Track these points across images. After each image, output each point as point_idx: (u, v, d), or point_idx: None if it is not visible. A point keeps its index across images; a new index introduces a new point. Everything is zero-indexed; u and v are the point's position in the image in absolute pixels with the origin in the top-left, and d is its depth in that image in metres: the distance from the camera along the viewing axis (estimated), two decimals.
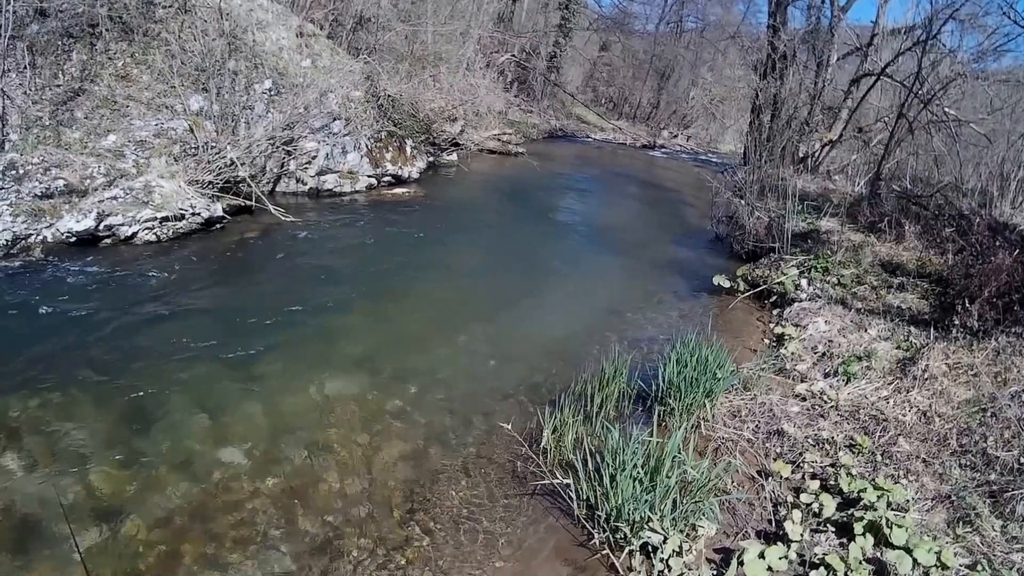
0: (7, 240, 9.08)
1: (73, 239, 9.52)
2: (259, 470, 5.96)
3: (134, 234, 10.03)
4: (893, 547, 5.12)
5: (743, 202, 12.05)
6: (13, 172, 9.61)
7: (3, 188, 9.39)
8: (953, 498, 5.68)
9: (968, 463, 6.07)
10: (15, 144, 10.01)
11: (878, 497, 5.54)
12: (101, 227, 9.75)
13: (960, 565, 5.05)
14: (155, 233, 10.19)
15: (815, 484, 5.89)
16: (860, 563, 5.05)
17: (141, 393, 6.68)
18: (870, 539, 5.23)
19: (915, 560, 5.00)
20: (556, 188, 18.13)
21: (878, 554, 5.17)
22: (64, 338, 7.42)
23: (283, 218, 11.81)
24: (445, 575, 5.18)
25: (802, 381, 7.41)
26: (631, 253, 11.07)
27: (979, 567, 4.99)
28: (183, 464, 5.93)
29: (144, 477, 5.72)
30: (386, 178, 15.69)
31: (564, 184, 19.05)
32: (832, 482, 5.90)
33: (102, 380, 6.80)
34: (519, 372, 7.88)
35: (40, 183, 9.71)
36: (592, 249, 11.50)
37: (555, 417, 6.55)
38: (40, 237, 9.40)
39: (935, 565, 4.99)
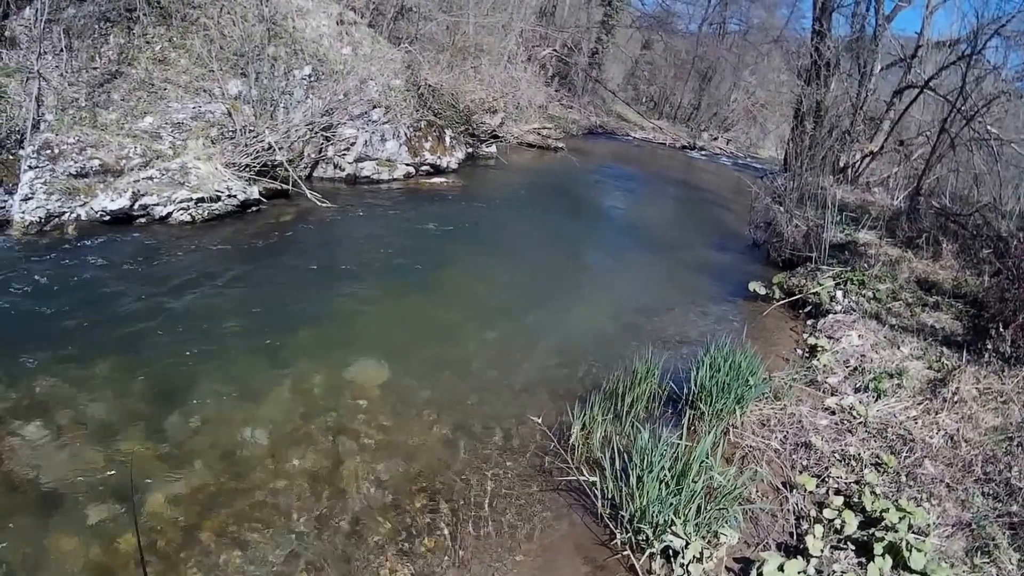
0: (40, 217, 9.13)
1: (107, 218, 9.53)
2: (284, 451, 5.94)
3: (169, 214, 10.02)
4: (911, 571, 4.99)
5: (782, 209, 11.84)
6: (48, 151, 9.58)
7: (38, 167, 9.40)
8: (974, 526, 5.51)
9: (991, 492, 5.90)
10: (51, 124, 9.99)
11: (900, 519, 5.40)
12: (135, 207, 9.74)
13: None
14: (190, 214, 10.17)
15: (839, 500, 5.76)
16: None
17: (169, 370, 6.68)
18: (889, 561, 5.09)
19: None
20: (594, 185, 17.97)
21: None
22: (93, 313, 7.42)
23: (319, 203, 11.74)
24: (465, 565, 5.12)
25: (832, 394, 7.27)
26: (667, 254, 10.92)
27: None
28: (208, 441, 5.91)
29: (168, 453, 5.72)
30: (424, 167, 15.52)
31: (602, 181, 18.88)
32: (856, 499, 5.76)
33: (131, 355, 6.80)
34: (550, 366, 7.77)
35: (75, 162, 9.69)
36: (628, 247, 11.36)
37: (584, 414, 6.46)
38: (74, 215, 9.42)
39: None
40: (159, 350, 6.95)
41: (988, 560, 5.22)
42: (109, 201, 9.55)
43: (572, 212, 12.58)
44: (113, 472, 5.42)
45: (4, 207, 9.06)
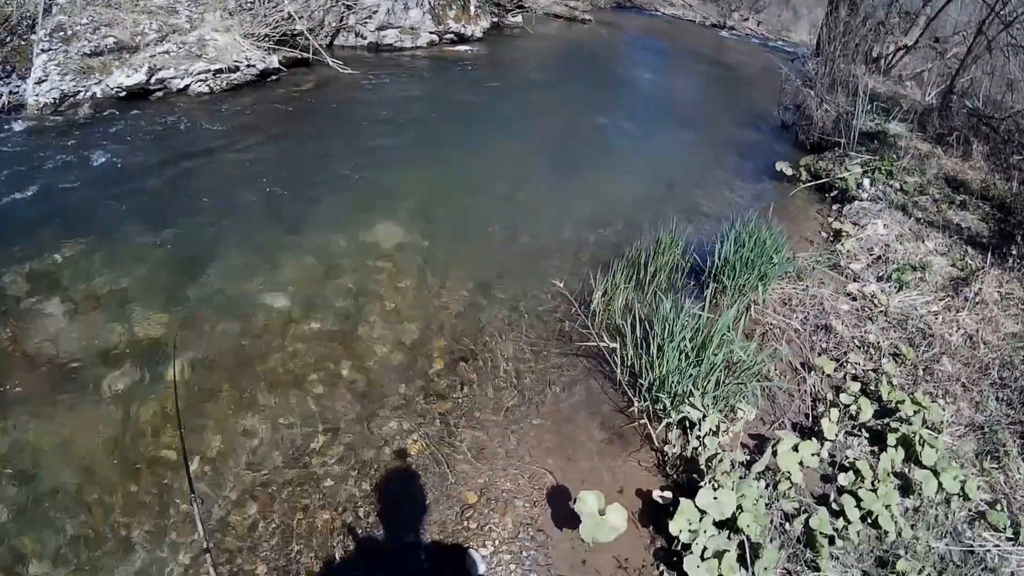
0: (55, 98, 8.77)
1: (123, 94, 9.20)
2: (304, 314, 5.79)
3: (186, 87, 9.69)
4: (922, 466, 4.85)
5: (812, 93, 11.29)
6: (61, 33, 9.14)
7: (51, 49, 8.98)
8: (986, 430, 5.36)
9: (1005, 398, 5.71)
10: (62, 7, 9.46)
11: (915, 412, 5.22)
12: (152, 81, 9.40)
13: (981, 500, 4.78)
14: (208, 85, 9.84)
15: (856, 386, 5.57)
16: (888, 475, 4.80)
17: (188, 239, 6.50)
18: (901, 453, 4.96)
19: (940, 484, 4.73)
20: (623, 57, 17.07)
21: (906, 470, 4.92)
22: (111, 187, 7.17)
23: (340, 70, 11.24)
24: (482, 428, 5.02)
25: (855, 280, 7.00)
26: (694, 129, 10.43)
27: (998, 506, 4.72)
28: (226, 307, 5.76)
29: (186, 320, 5.58)
30: (448, 36, 14.87)
31: (631, 54, 17.92)
32: (872, 388, 5.59)
33: (150, 227, 6.60)
34: (573, 232, 7.49)
35: (89, 42, 9.27)
36: (655, 120, 10.85)
37: (607, 280, 6.22)
38: (89, 93, 9.06)
39: (958, 494, 4.74)
40: (178, 220, 6.75)
41: (997, 466, 5.08)
42: (125, 77, 9.21)
43: (599, 83, 11.97)
44: (133, 343, 5.30)
45: (18, 92, 8.68)
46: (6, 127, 8.17)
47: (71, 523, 4.09)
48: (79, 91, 8.95)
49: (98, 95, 9.06)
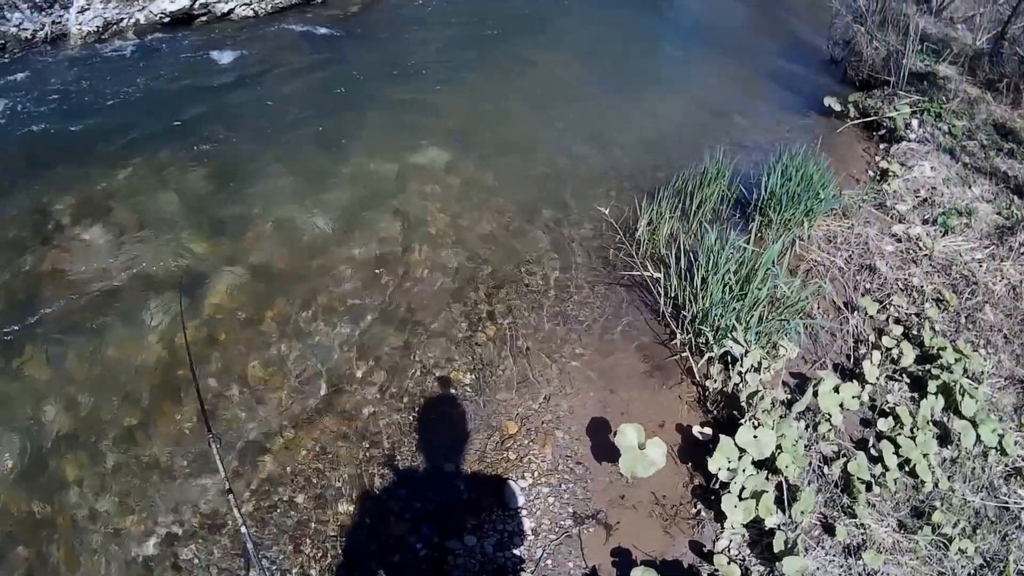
0: (98, 26, 8.29)
1: (167, 19, 8.69)
2: (347, 238, 5.57)
3: (230, 10, 9.13)
4: (961, 416, 4.64)
5: (863, 29, 10.68)
6: None
7: None
8: None
9: None
10: None
11: (956, 360, 4.99)
12: (196, 6, 8.83)
13: (1018, 456, 4.58)
14: (252, 8, 9.26)
15: (898, 330, 5.34)
16: (927, 423, 4.62)
17: (231, 164, 6.24)
18: (941, 401, 4.74)
19: (978, 436, 4.54)
20: None
21: (945, 419, 4.72)
22: (154, 113, 6.86)
23: None
24: (523, 356, 4.86)
25: (900, 222, 6.64)
26: (742, 57, 9.87)
27: None
28: (270, 231, 5.57)
29: (229, 244, 5.39)
30: None
31: None
32: (915, 332, 5.35)
33: (193, 152, 6.35)
34: (619, 158, 7.10)
35: None
36: (702, 47, 10.25)
37: (652, 209, 5.91)
38: (132, 20, 8.55)
39: (995, 448, 4.55)
40: (221, 145, 6.48)
41: None
42: (168, 3, 8.65)
43: (640, 7, 11.32)
44: (175, 267, 5.14)
45: (60, 21, 8.16)
46: (50, 57, 7.86)
47: (111, 452, 4.01)
48: (122, 18, 8.52)
49: (141, 21, 8.63)
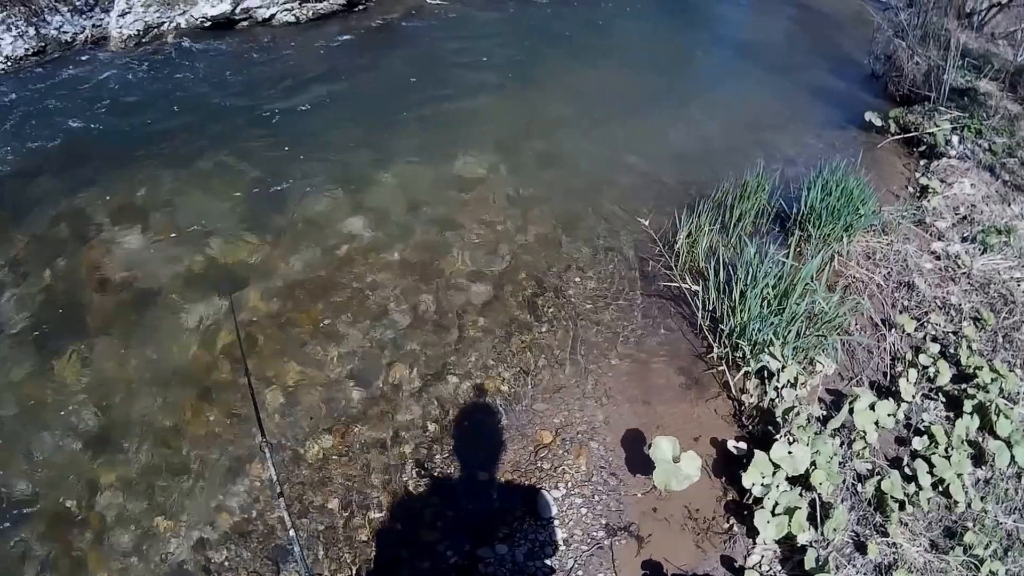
0: (139, 30, 8.40)
1: (208, 24, 8.78)
2: (386, 244, 5.61)
3: (272, 16, 9.20)
4: (996, 436, 4.57)
5: (904, 44, 10.48)
6: None
7: None
8: None
9: None
10: None
11: (992, 380, 4.89)
12: (237, 11, 8.92)
13: None
14: (294, 14, 9.33)
15: (935, 348, 5.24)
16: (962, 443, 4.53)
17: (270, 168, 6.30)
18: (976, 421, 4.65)
19: (1013, 457, 4.46)
20: None
21: (980, 439, 4.64)
22: (194, 117, 6.96)
23: (430, 0, 10.53)
24: (560, 365, 4.86)
25: (939, 239, 6.54)
26: (782, 71, 9.71)
27: None
28: (308, 236, 5.62)
29: (267, 248, 5.46)
30: None
31: None
32: (952, 351, 5.25)
33: (232, 157, 6.43)
34: (659, 170, 7.05)
35: None
36: (741, 59, 10.11)
37: (691, 221, 5.88)
38: (173, 24, 8.66)
39: None
40: (261, 149, 6.56)
41: None
42: (210, 7, 8.74)
43: (682, 20, 11.19)
44: (212, 270, 5.21)
45: (101, 24, 8.29)
46: (90, 60, 7.98)
47: (144, 453, 4.09)
48: (163, 22, 8.62)
49: (182, 26, 8.72)
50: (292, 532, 2.57)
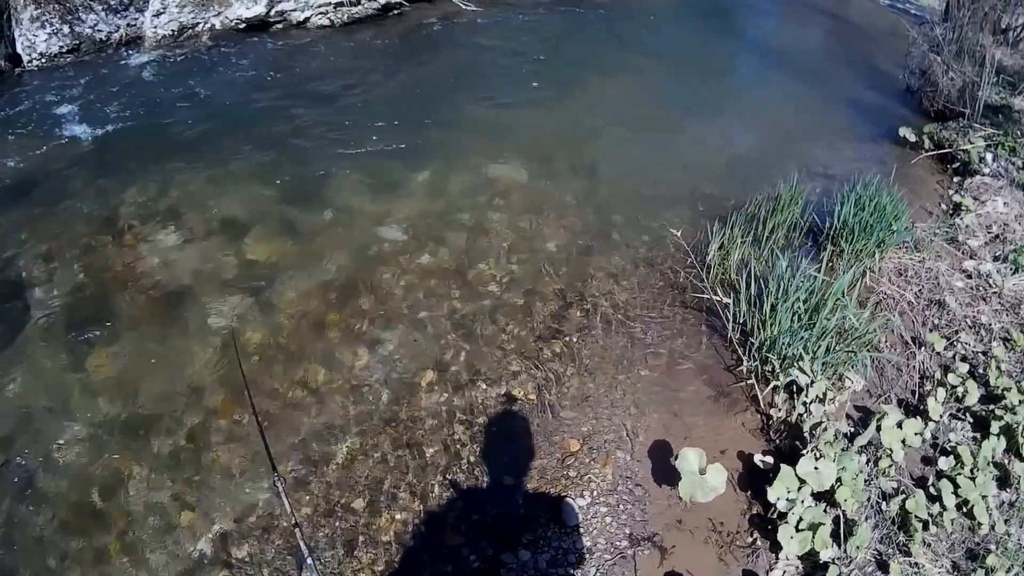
0: (173, 30, 8.49)
1: (242, 26, 8.84)
2: (417, 248, 5.62)
3: (306, 19, 9.26)
4: (1022, 459, 4.54)
5: (939, 60, 10.31)
6: None
7: None
8: None
9: None
10: None
11: (1020, 402, 4.84)
12: (272, 13, 8.98)
13: None
14: (328, 18, 9.36)
15: (964, 367, 5.20)
16: (988, 464, 4.49)
17: (303, 171, 6.35)
18: (1003, 443, 4.61)
19: None
20: (741, 5, 15.78)
21: (1006, 461, 4.58)
22: (227, 119, 7.02)
23: (464, 6, 10.47)
24: (589, 374, 4.85)
25: (971, 258, 6.45)
26: (815, 84, 9.59)
27: None
28: (339, 239, 5.64)
29: (298, 250, 5.49)
30: None
31: (753, 3, 16.66)
32: (981, 371, 5.20)
33: (265, 158, 6.48)
34: (691, 181, 7.01)
35: None
36: (775, 72, 9.99)
37: (723, 233, 5.86)
38: (208, 25, 8.73)
39: None
40: (293, 152, 6.60)
41: None
42: (244, 9, 8.81)
43: (716, 31, 11.10)
44: (243, 270, 5.27)
45: (136, 24, 8.37)
46: (125, 59, 8.08)
47: (169, 448, 4.14)
48: (197, 23, 8.69)
49: (217, 27, 8.79)
50: (309, 560, 2.57)
